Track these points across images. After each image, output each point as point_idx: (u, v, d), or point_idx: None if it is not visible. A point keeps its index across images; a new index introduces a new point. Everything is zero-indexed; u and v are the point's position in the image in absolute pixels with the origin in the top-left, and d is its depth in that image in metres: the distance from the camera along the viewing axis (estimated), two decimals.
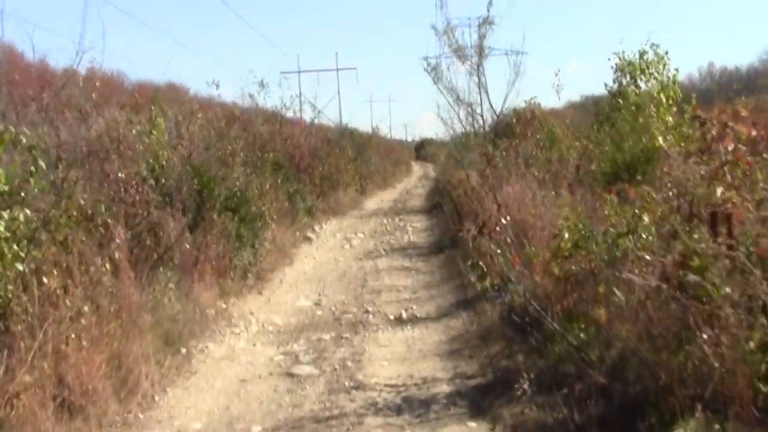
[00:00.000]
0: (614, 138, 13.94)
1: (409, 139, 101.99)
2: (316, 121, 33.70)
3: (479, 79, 27.18)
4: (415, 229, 22.22)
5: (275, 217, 16.71)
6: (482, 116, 27.42)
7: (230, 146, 18.35)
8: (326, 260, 16.72)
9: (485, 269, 7.75)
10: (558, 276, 7.33)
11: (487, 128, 27.14)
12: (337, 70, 58.23)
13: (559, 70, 21.28)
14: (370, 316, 11.29)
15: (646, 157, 12.10)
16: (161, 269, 10.07)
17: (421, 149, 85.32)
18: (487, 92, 26.96)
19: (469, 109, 27.45)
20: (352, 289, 13.38)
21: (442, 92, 27.36)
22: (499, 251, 7.59)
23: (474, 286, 11.96)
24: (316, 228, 22.06)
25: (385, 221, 24.59)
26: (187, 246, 10.76)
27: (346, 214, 26.55)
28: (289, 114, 29.26)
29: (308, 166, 24.92)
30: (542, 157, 15.68)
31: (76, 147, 11.04)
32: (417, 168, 67.12)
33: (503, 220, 7.11)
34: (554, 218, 8.52)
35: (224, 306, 11.46)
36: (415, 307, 11.67)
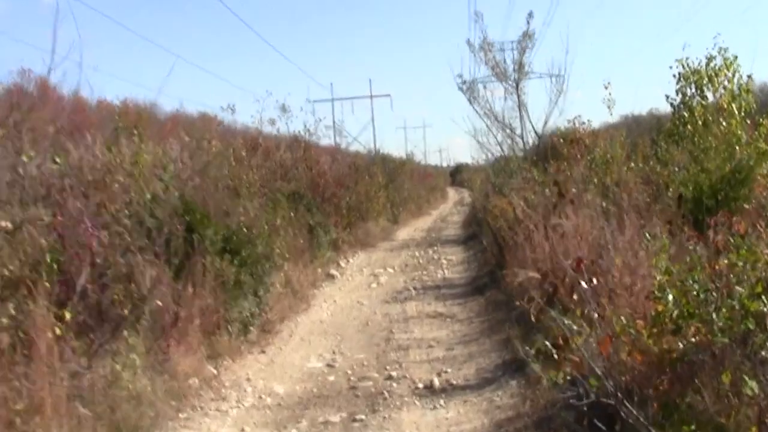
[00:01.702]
0: (696, 157, 11.61)
1: (444, 165, 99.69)
2: (347, 147, 31.78)
3: (519, 98, 25.02)
4: (450, 263, 19.98)
5: (288, 256, 14.57)
6: (522, 138, 25.21)
7: (245, 175, 16.34)
8: (348, 304, 14.50)
9: (554, 352, 5.35)
10: (657, 356, 5.05)
11: (527, 150, 24.94)
12: (371, 97, 56.62)
13: (609, 83, 18.84)
14: (394, 383, 9.03)
15: (737, 178, 9.78)
16: (125, 333, 7.91)
17: (457, 174, 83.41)
18: (527, 112, 24.77)
19: (508, 130, 25.27)
20: (374, 344, 11.13)
21: (479, 113, 25.21)
22: (574, 327, 5.19)
23: (522, 341, 9.77)
24: (342, 263, 19.95)
25: (417, 253, 22.37)
26: (160, 301, 8.58)
27: (376, 246, 24.39)
28: (320, 141, 27.44)
29: (333, 196, 22.82)
30: (598, 182, 13.41)
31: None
32: (452, 193, 64.89)
33: (583, 284, 4.73)
34: (641, 266, 6.22)
35: (214, 371, 9.28)
36: (449, 370, 9.40)
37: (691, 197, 9.75)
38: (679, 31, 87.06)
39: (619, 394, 4.78)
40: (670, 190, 10.56)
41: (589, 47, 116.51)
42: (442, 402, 8.20)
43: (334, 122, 31.21)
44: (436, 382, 8.89)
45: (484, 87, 25.40)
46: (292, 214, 16.42)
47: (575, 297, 4.68)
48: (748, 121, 14.19)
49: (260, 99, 40.69)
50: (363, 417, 7.86)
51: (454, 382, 8.90)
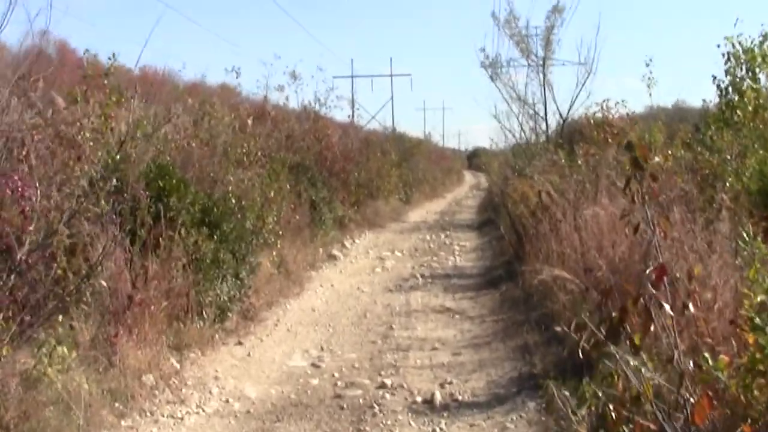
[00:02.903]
0: (751, 144, 9.99)
1: (462, 148, 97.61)
2: (365, 126, 30.25)
3: (544, 77, 23.42)
4: (463, 249, 18.44)
5: (281, 232, 13.08)
6: (546, 120, 23.64)
7: (246, 143, 14.90)
8: (347, 290, 13.00)
9: (611, 410, 3.68)
10: (743, 404, 3.54)
11: (550, 133, 23.39)
12: (391, 75, 54.95)
13: (651, 60, 17.17)
14: (387, 394, 7.53)
15: None
16: (60, 318, 6.45)
17: (474, 158, 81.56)
18: (552, 92, 23.17)
19: (531, 111, 23.69)
20: (369, 341, 9.63)
21: (501, 91, 23.62)
22: (646, 375, 3.58)
23: (543, 350, 8.30)
24: (347, 243, 18.45)
25: (428, 237, 20.83)
26: (111, 279, 7.11)
27: (385, 227, 22.84)
28: (332, 112, 26.01)
29: (342, 170, 21.30)
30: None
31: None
32: (469, 177, 63.20)
33: (667, 308, 3.13)
34: (722, 275, 4.67)
35: (176, 366, 7.82)
36: (455, 381, 7.89)
37: (756, 189, 8.16)
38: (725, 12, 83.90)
39: None
40: (728, 181, 8.97)
41: (622, 32, 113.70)
42: (443, 425, 6.70)
43: (353, 99, 29.53)
44: (438, 395, 7.40)
45: (508, 64, 23.86)
46: (288, 186, 14.85)
47: (650, 327, 3.17)
48: None
49: (267, 63, 38.61)
50: None
51: (460, 398, 7.40)
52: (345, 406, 7.22)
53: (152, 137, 10.69)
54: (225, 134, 14.04)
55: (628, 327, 2.94)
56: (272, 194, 12.70)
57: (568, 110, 22.53)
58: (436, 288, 13.15)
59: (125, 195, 8.04)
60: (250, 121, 17.39)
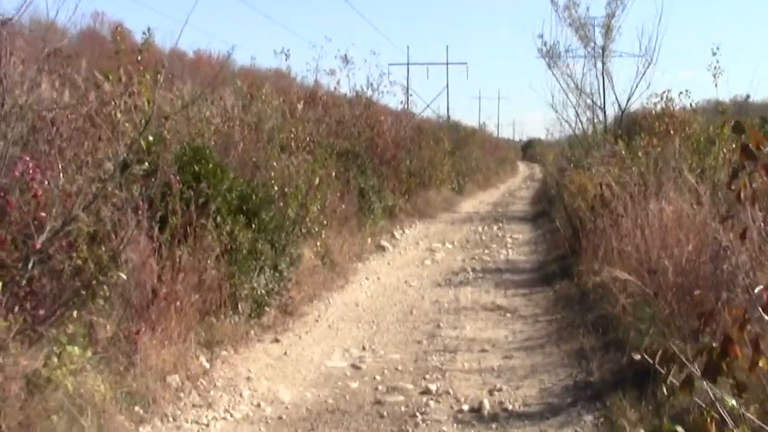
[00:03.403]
0: None
1: (516, 139, 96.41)
2: (420, 114, 29.56)
3: (603, 65, 22.55)
4: (516, 242, 17.73)
5: (326, 222, 12.53)
6: (603, 110, 22.77)
7: (294, 129, 14.41)
8: (394, 283, 12.40)
9: None
10: None
11: (608, 124, 22.53)
12: (447, 63, 54.39)
13: (718, 49, 16.25)
14: (432, 401, 6.92)
15: None
16: (75, 313, 5.92)
17: (528, 149, 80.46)
18: (611, 81, 22.29)
19: (589, 101, 22.83)
20: (414, 340, 9.02)
21: (558, 80, 22.80)
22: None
23: (601, 356, 7.65)
24: (396, 234, 17.85)
25: (480, 229, 20.13)
26: (134, 271, 6.56)
27: (436, 217, 22.18)
28: (384, 98, 25.40)
29: (393, 158, 20.69)
30: (699, 163, 11.13)
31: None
32: (523, 168, 62.16)
33: None
34: None
35: (205, 365, 7.29)
36: (505, 388, 7.25)
37: None
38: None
39: None
40: None
41: (678, 22, 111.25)
42: None
43: (408, 86, 28.83)
44: (487, 404, 6.77)
45: (566, 53, 23.01)
46: (336, 173, 14.27)
47: (757, 359, 2.52)
48: None
49: (317, 46, 37.97)
50: None
51: (510, 407, 6.76)
52: (385, 414, 6.63)
53: (182, 117, 10.21)
54: (273, 119, 13.57)
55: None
56: (317, 181, 12.08)
57: (627, 101, 21.64)
58: (487, 283, 12.50)
59: (155, 180, 7.49)
60: (300, 106, 16.90)
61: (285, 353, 8.32)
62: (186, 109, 9.91)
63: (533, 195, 31.28)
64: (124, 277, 6.15)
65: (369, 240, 15.67)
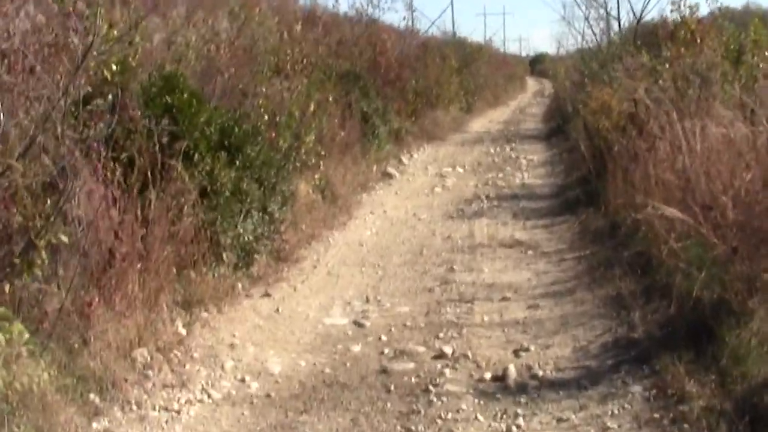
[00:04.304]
0: None
1: (524, 54, 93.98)
2: (424, 33, 28.02)
3: None
4: (531, 164, 16.57)
5: (325, 152, 11.37)
6: (618, 21, 21.47)
7: (290, 50, 13.21)
8: (401, 217, 11.29)
9: None
10: None
11: (623, 35, 21.18)
12: None
13: None
14: (447, 368, 5.86)
15: None
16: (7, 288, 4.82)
17: (537, 64, 78.44)
18: None
19: (602, 10, 21.55)
20: (425, 288, 7.92)
21: None
22: None
23: (643, 305, 6.57)
24: (404, 159, 16.77)
25: (492, 150, 18.94)
26: (88, 226, 5.43)
27: (445, 139, 20.96)
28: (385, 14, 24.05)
29: (398, 78, 19.41)
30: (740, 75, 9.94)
31: None
32: (532, 83, 60.41)
33: None
34: None
35: (182, 331, 6.22)
36: (533, 348, 6.16)
37: None
38: None
39: None
40: None
41: None
42: (520, 420, 5.00)
43: (411, 2, 27.31)
44: (512, 370, 5.70)
45: None
46: (333, 98, 13.04)
47: None
48: None
49: None
50: None
51: (540, 373, 5.69)
52: (392, 387, 5.56)
53: (163, 43, 9.04)
54: (267, 39, 12.37)
55: None
56: (312, 107, 10.90)
57: (642, 9, 20.23)
58: (504, 213, 11.36)
59: (116, 115, 6.31)
60: (298, 27, 15.66)
61: (276, 310, 7.23)
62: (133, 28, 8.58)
63: (545, 111, 29.91)
64: (65, 239, 5.01)
65: (374, 167, 14.55)
